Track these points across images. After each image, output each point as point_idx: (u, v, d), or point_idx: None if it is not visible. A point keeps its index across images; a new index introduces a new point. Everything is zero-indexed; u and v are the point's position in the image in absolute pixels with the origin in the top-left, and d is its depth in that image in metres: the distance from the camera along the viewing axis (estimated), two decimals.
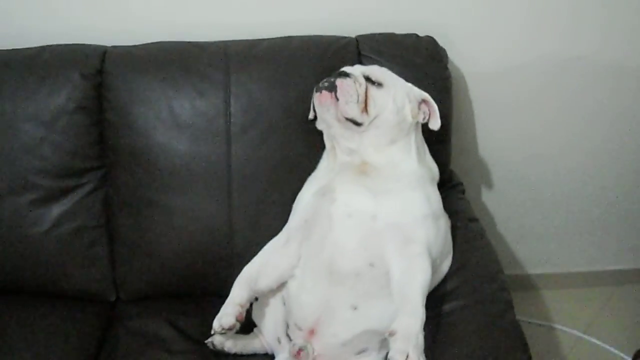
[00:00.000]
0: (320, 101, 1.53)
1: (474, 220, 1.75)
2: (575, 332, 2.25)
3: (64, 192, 1.72)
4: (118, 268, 1.79)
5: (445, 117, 1.69)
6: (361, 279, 1.46)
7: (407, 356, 1.25)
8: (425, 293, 1.40)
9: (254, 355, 1.67)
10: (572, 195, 2.27)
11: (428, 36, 1.80)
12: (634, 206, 2.31)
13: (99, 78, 1.71)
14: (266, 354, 1.68)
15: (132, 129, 1.68)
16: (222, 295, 1.65)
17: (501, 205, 2.23)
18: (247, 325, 1.59)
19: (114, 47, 1.75)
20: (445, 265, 1.58)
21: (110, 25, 1.82)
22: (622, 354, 2.16)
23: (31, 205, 1.70)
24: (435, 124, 1.61)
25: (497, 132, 2.09)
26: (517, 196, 2.23)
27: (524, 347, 1.43)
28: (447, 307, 1.50)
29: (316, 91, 1.55)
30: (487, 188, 2.22)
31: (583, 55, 1.98)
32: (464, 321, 1.47)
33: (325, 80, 1.55)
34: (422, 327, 1.32)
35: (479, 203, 2.23)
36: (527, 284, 2.42)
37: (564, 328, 2.27)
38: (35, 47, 1.74)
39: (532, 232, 2.29)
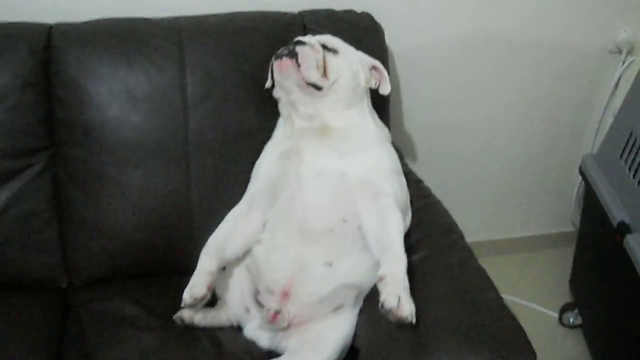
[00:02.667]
0: (281, 68, 1.62)
1: (420, 181, 1.90)
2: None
3: (12, 175, 1.68)
4: (71, 251, 1.76)
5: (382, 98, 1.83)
6: (334, 235, 1.56)
7: (399, 298, 1.38)
8: (403, 240, 1.53)
9: (221, 328, 1.69)
10: (485, 167, 2.49)
11: (365, 12, 1.94)
12: (540, 177, 2.57)
13: (46, 54, 1.69)
14: (231, 327, 1.71)
15: (84, 104, 1.68)
16: (182, 274, 1.69)
17: (421, 177, 2.42)
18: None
19: (59, 23, 1.74)
20: (408, 219, 1.69)
21: (52, 3, 1.82)
22: (548, 311, 2.38)
23: None
24: (385, 89, 1.75)
25: (418, 105, 2.27)
26: (436, 169, 2.37)
27: (492, 285, 1.58)
28: (415, 257, 1.59)
29: (276, 59, 1.64)
30: (411, 160, 2.37)
31: (501, 33, 2.20)
32: (433, 268, 1.59)
33: (284, 48, 1.64)
34: (406, 271, 1.45)
35: None
36: None
37: None
38: None
39: (451, 203, 2.49)
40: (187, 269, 1.66)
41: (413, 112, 2.25)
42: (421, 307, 1.42)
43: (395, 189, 1.62)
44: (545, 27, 2.23)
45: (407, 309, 1.37)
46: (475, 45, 2.21)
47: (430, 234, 1.69)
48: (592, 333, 2.19)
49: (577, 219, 2.64)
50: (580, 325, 2.31)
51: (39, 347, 1.59)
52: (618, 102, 2.20)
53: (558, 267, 2.47)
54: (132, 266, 1.79)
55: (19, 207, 1.70)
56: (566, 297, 2.38)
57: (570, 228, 2.71)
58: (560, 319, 2.33)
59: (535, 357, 1.45)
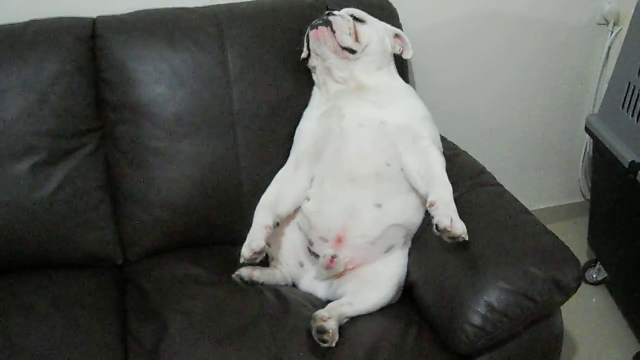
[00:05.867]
0: (318, 36, 1.83)
1: (444, 138, 2.09)
2: None
3: (65, 154, 1.85)
4: (125, 226, 1.93)
5: (403, 66, 2.09)
6: (380, 178, 1.76)
7: (451, 219, 1.57)
8: (445, 172, 1.73)
9: (276, 285, 1.85)
10: (493, 143, 2.71)
11: None
12: (546, 150, 2.81)
13: (92, 42, 1.89)
14: (286, 285, 1.89)
15: (132, 84, 1.87)
16: (232, 243, 1.89)
17: None
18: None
19: (102, 16, 1.94)
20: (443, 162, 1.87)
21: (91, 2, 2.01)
22: None
23: (33, 169, 1.81)
24: (408, 54, 1.99)
25: (427, 84, 2.45)
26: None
27: (528, 211, 1.79)
28: (454, 195, 1.72)
29: (311, 29, 1.85)
30: None
31: (501, 12, 2.46)
32: (472, 202, 1.80)
33: (318, 19, 1.87)
34: (452, 197, 1.65)
35: None
36: None
37: None
38: (20, 23, 1.88)
39: None
40: (237, 238, 1.83)
41: (423, 90, 2.42)
42: (468, 235, 1.59)
43: (431, 133, 1.84)
44: (539, 5, 2.50)
45: (459, 227, 1.57)
46: (479, 24, 2.47)
47: (464, 176, 1.91)
48: (618, 283, 2.41)
49: (586, 190, 2.92)
50: (603, 281, 2.54)
51: (104, 316, 1.73)
52: (610, 70, 2.44)
53: (574, 235, 2.64)
54: (184, 236, 1.96)
55: (73, 186, 1.86)
56: (584, 260, 2.57)
57: (580, 199, 2.96)
58: (583, 276, 2.51)
59: (580, 265, 1.66)
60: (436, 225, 1.57)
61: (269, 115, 1.94)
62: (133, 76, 1.88)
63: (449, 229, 1.56)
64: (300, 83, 1.98)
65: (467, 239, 1.58)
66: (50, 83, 1.83)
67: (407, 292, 1.82)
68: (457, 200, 1.68)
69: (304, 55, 1.92)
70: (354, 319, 1.70)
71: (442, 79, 2.51)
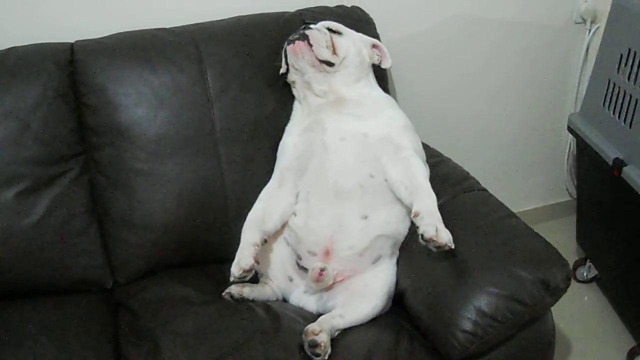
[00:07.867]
0: (295, 50, 1.86)
1: (427, 146, 2.11)
2: None
3: (50, 180, 1.86)
4: (114, 249, 1.94)
5: (382, 76, 2.11)
6: (365, 190, 1.77)
7: (437, 228, 1.58)
8: (429, 181, 1.75)
9: (267, 301, 1.86)
10: (478, 149, 2.73)
11: (354, 6, 2.21)
12: (532, 151, 2.84)
13: (71, 67, 1.90)
14: (277, 300, 1.89)
15: (114, 108, 1.88)
16: (220, 261, 1.92)
17: None
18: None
19: (80, 40, 1.95)
20: (427, 171, 1.88)
21: (69, 26, 2.03)
22: None
23: (18, 197, 1.82)
24: (387, 63, 2.01)
25: (408, 94, 2.47)
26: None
27: (514, 214, 1.81)
28: (439, 203, 1.73)
29: (288, 44, 1.88)
30: None
31: (477, 17, 2.49)
32: (458, 209, 1.82)
33: (295, 33, 1.89)
34: (437, 205, 1.66)
35: None
36: None
37: None
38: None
39: None
40: (225, 256, 1.86)
41: (404, 99, 2.45)
42: (455, 242, 1.60)
43: (413, 142, 1.85)
44: (516, 9, 2.54)
45: (445, 237, 1.58)
46: (457, 32, 2.50)
47: (448, 183, 1.93)
48: (609, 280, 2.43)
49: (572, 188, 2.95)
50: (594, 278, 2.56)
51: (97, 340, 1.74)
52: (590, 68, 2.47)
53: (562, 234, 2.69)
54: (173, 256, 1.96)
55: (59, 212, 1.87)
56: (574, 259, 2.59)
57: (566, 198, 2.99)
58: (574, 275, 2.54)
59: (568, 266, 1.67)
60: (422, 235, 1.58)
61: (251, 131, 1.96)
62: (114, 100, 1.88)
63: (434, 239, 1.57)
64: (281, 98, 2.00)
65: (453, 247, 1.58)
66: (31, 110, 1.84)
67: (398, 301, 1.82)
68: (442, 207, 1.70)
69: (282, 70, 1.94)
70: (345, 331, 1.71)
71: (422, 87, 2.53)
